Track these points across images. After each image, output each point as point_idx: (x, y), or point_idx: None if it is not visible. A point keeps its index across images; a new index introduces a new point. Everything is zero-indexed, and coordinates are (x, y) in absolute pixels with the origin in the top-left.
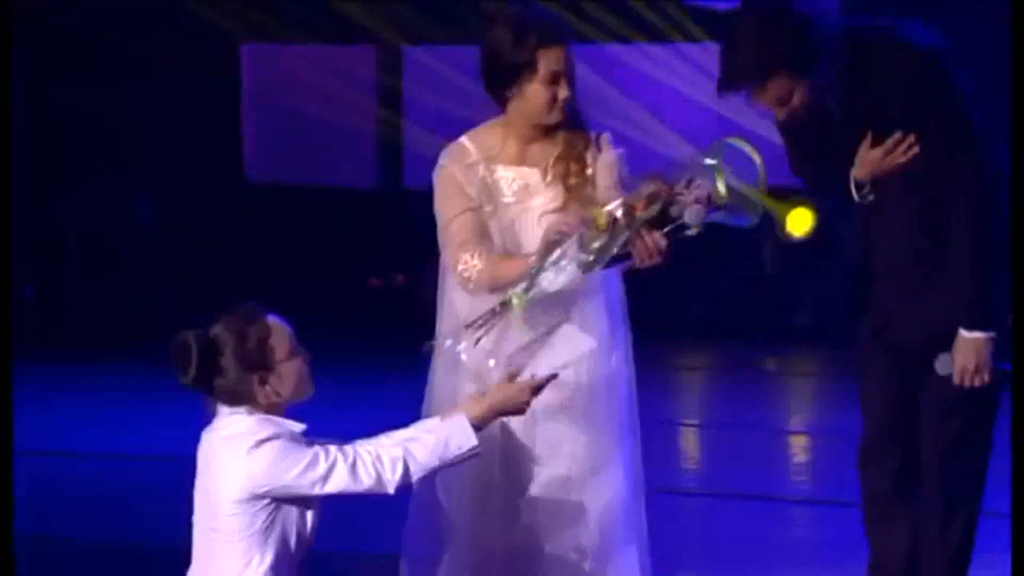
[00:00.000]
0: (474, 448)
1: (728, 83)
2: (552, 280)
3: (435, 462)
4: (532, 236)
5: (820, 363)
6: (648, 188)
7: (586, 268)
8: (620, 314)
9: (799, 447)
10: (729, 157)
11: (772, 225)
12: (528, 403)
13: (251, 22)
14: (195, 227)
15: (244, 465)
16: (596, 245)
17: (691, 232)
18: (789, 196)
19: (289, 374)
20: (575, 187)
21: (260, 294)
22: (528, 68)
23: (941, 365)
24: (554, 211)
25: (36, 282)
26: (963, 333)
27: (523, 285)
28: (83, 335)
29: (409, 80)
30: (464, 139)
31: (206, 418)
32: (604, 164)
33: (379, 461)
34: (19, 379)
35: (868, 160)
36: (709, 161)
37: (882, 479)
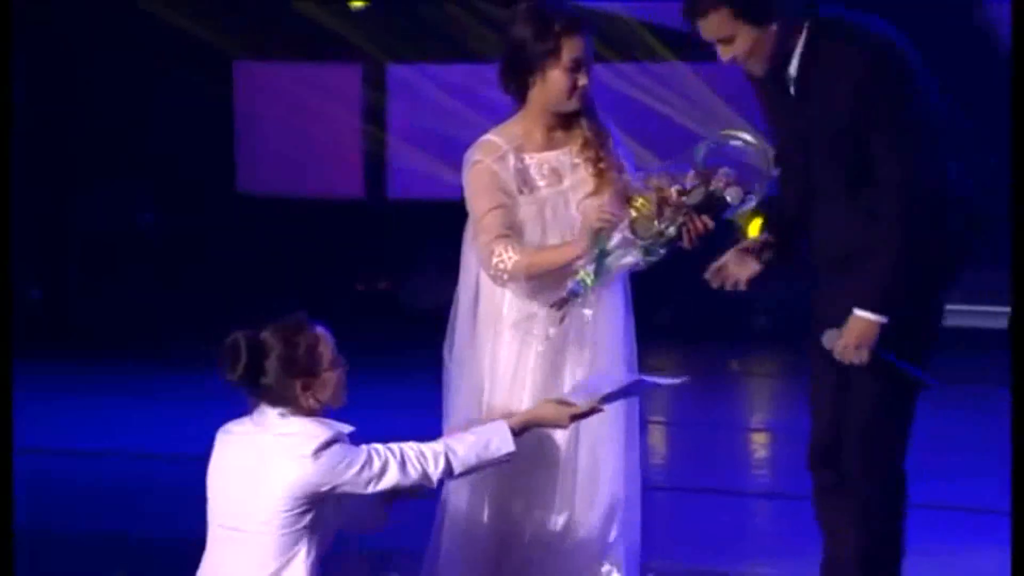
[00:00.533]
0: (511, 452)
1: (684, 13)
2: (618, 264)
3: (473, 460)
4: (567, 217)
5: (779, 364)
6: (660, 180)
7: (646, 253)
8: (630, 308)
9: (760, 444)
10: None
11: (734, 231)
12: (567, 425)
13: (244, 40)
14: (192, 234)
15: (309, 465)
16: (653, 231)
17: (734, 210)
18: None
19: (330, 382)
20: (605, 171)
21: (253, 297)
22: (552, 55)
23: (826, 339)
24: (587, 196)
25: (43, 285)
26: (855, 311)
27: (591, 268)
28: (87, 336)
29: (393, 96)
30: (490, 135)
31: (245, 412)
32: (620, 153)
33: (423, 456)
34: (26, 378)
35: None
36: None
37: (830, 477)
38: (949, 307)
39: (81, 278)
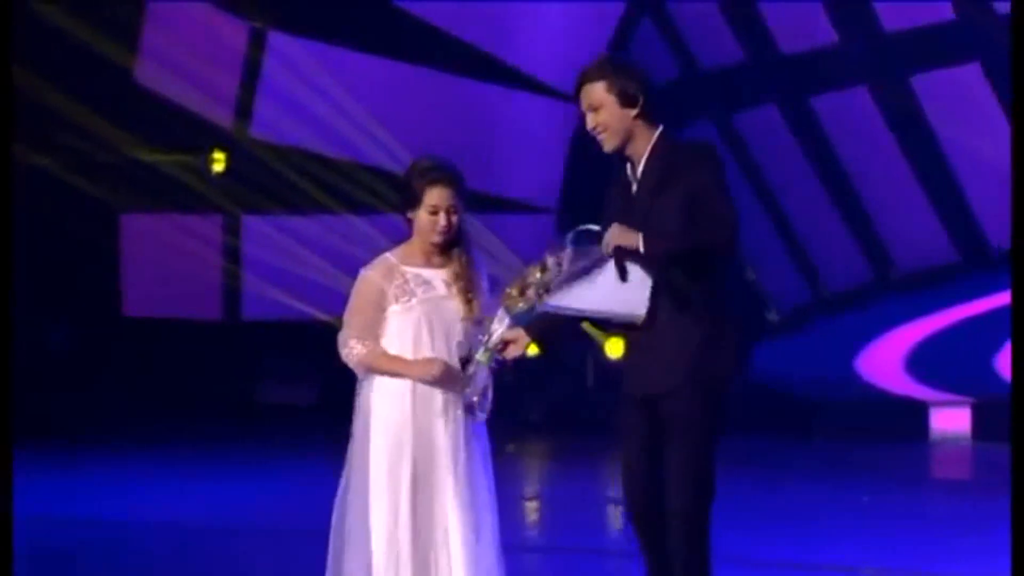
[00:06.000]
0: None
1: (576, 78)
2: (497, 342)
3: None
4: (443, 320)
5: (547, 447)
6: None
7: (517, 322)
8: None
9: (532, 508)
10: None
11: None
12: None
13: (128, 197)
14: (89, 346)
15: None
16: (519, 307)
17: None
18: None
19: None
20: (472, 300)
21: (134, 394)
22: (418, 201)
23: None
24: (461, 320)
25: None
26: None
27: (483, 348)
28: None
29: (246, 240)
30: (387, 254)
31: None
32: (483, 283)
33: None
34: None
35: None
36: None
37: (650, 526)
38: None
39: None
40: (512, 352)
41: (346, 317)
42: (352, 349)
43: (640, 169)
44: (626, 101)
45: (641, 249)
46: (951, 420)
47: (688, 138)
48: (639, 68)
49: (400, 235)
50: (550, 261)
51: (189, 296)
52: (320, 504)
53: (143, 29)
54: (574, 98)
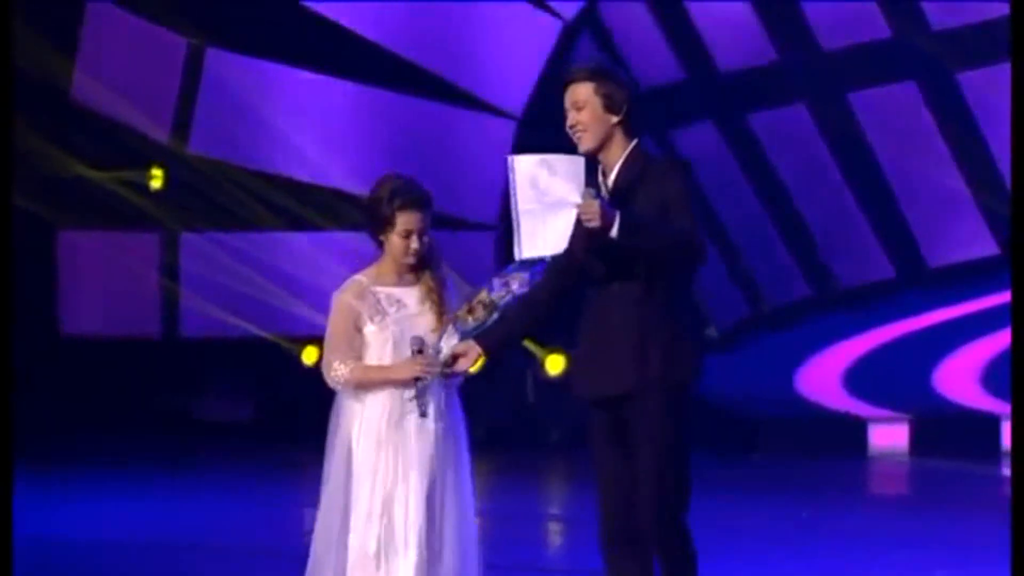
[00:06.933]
0: None
1: (563, 76)
2: (448, 356)
3: None
4: (403, 338)
5: (490, 464)
6: (476, 294)
7: (465, 336)
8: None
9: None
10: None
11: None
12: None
13: (62, 213)
14: (26, 366)
15: None
16: (469, 325)
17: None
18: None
19: None
20: (444, 312)
21: (74, 414)
22: (390, 224)
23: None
24: (432, 331)
25: None
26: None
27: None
28: None
29: (184, 256)
30: (358, 275)
31: None
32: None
33: None
34: None
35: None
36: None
37: (625, 549)
38: None
39: None
40: (462, 365)
41: (327, 342)
42: (336, 371)
43: (612, 177)
44: (610, 106)
45: (614, 234)
46: (889, 436)
47: (661, 153)
48: (628, 79)
49: (341, 252)
50: (496, 282)
51: (127, 313)
52: (260, 521)
53: (80, 45)
54: (561, 92)
